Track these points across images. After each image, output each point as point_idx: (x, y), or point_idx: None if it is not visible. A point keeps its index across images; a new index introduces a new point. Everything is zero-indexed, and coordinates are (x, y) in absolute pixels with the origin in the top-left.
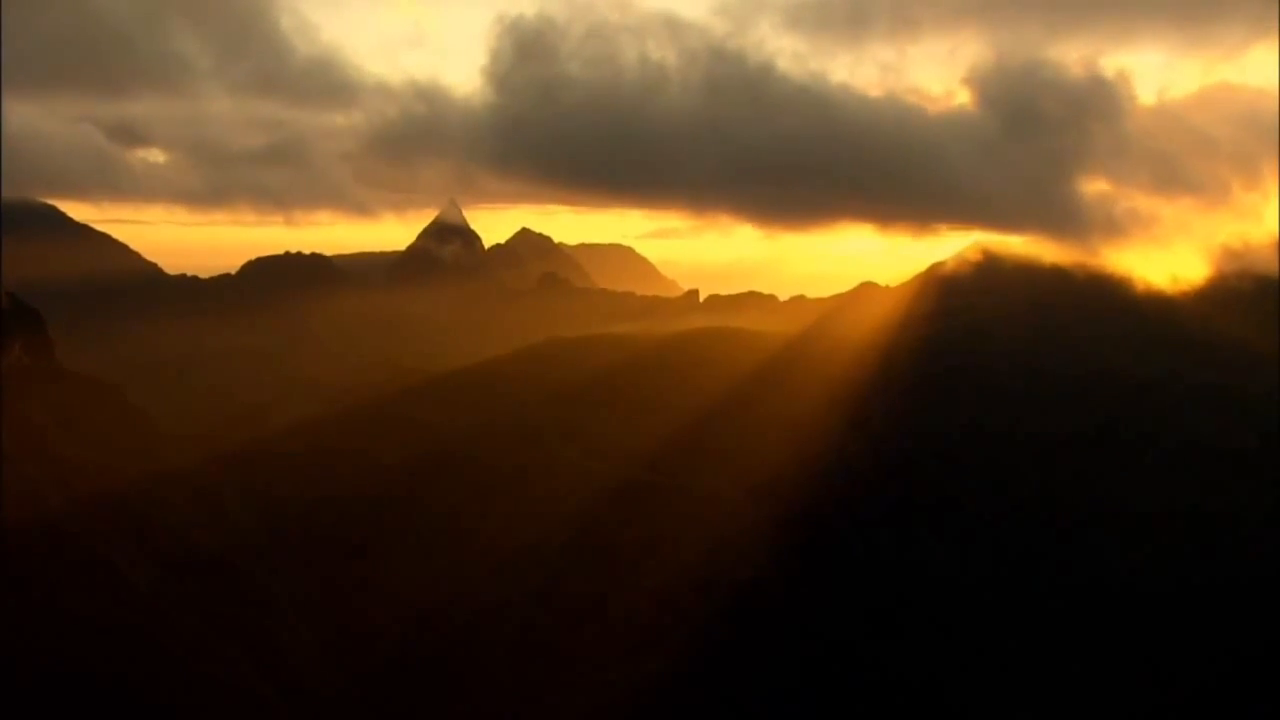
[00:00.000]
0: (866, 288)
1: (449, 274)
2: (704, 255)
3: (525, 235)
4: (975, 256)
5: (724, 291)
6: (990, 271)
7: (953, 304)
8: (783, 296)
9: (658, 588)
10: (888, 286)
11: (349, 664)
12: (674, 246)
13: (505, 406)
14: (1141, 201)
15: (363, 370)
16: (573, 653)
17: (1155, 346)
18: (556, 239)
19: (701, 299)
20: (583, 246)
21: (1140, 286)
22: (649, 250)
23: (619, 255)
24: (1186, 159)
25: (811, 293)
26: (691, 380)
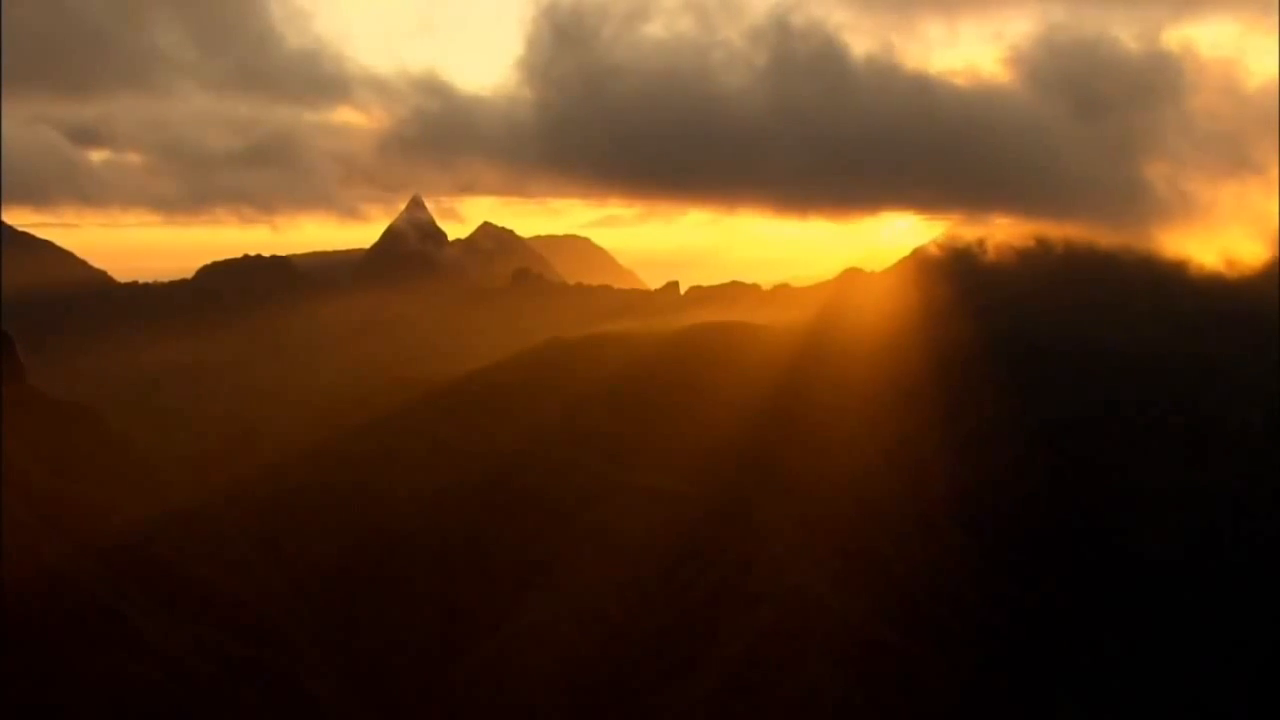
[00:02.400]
0: (852, 274)
1: (417, 273)
2: (653, 244)
3: (487, 229)
4: (967, 241)
5: (703, 282)
6: (997, 256)
7: (960, 290)
8: (752, 285)
9: (700, 604)
10: (873, 273)
11: (376, 704)
12: (621, 235)
13: (522, 420)
14: (1201, 183)
15: (355, 383)
16: (616, 678)
17: (1211, 329)
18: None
19: (682, 291)
20: (539, 239)
21: (1195, 270)
22: (601, 241)
23: (576, 247)
24: (1251, 138)
25: (752, 279)
26: (711, 382)
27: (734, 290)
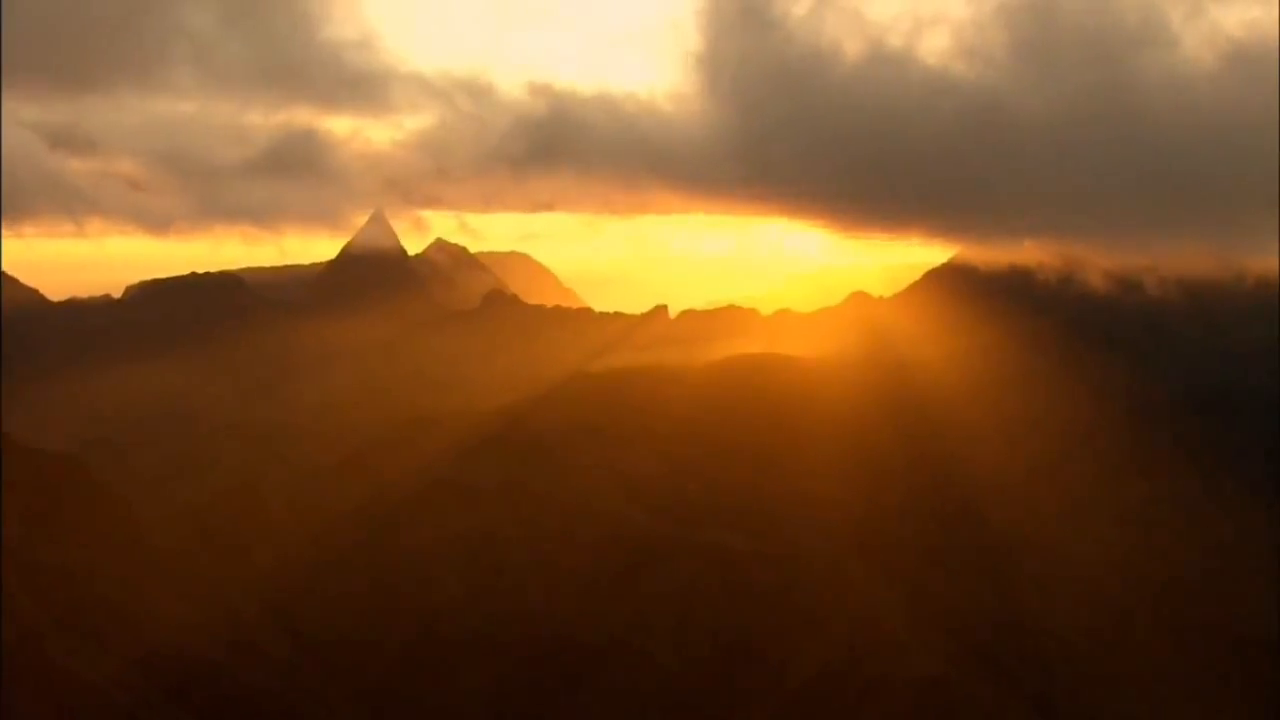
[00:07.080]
0: (859, 298)
1: (378, 291)
2: (572, 260)
3: (441, 245)
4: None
5: (690, 306)
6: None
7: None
8: (750, 310)
9: (797, 697)
10: (881, 298)
11: None
12: (545, 250)
13: (563, 470)
14: None
15: (360, 420)
16: None
17: None
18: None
19: (672, 315)
20: (484, 255)
21: None
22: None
23: (519, 263)
24: None
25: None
26: (768, 424)
27: (731, 315)
